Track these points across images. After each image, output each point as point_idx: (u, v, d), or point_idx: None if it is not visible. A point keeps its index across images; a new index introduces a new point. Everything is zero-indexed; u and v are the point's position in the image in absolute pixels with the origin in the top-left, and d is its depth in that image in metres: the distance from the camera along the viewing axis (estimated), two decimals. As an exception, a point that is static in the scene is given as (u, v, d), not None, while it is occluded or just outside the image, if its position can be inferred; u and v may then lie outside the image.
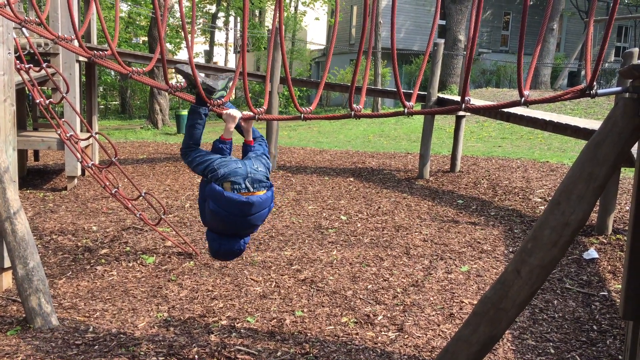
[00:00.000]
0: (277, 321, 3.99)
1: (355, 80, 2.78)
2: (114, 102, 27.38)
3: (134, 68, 3.22)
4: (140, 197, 5.41)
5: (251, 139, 3.26)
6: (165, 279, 4.83)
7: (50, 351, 3.50)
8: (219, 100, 3.12)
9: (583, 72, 24.20)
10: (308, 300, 4.36)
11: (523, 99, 2.51)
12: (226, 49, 31.77)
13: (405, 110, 2.74)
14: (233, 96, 23.10)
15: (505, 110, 7.14)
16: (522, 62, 2.44)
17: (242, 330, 3.84)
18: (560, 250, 2.52)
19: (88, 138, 4.89)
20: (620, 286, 4.68)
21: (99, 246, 5.69)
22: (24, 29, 4.01)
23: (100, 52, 3.29)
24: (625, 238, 5.62)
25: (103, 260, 5.27)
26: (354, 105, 2.84)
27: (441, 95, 9.59)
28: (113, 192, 5.22)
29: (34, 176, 9.40)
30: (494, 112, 8.00)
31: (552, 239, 2.51)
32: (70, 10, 3.09)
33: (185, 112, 17.17)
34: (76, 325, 3.91)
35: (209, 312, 4.16)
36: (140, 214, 5.43)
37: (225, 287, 4.61)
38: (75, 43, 3.76)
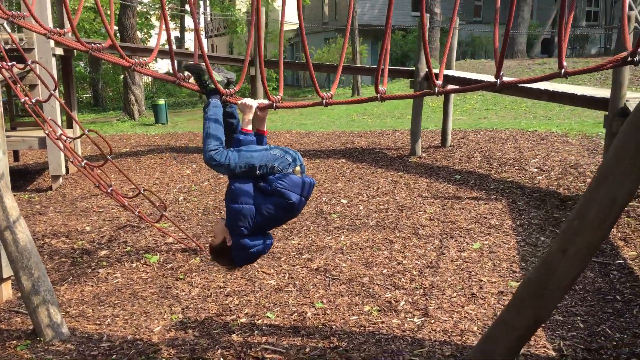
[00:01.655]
0: (298, 315, 3.86)
1: (381, 62, 2.63)
2: (86, 95, 26.62)
3: (135, 60, 3.01)
4: (138, 194, 5.20)
5: (265, 128, 3.08)
6: (173, 277, 4.65)
7: (67, 364, 3.33)
8: (231, 90, 2.95)
9: (556, 39, 24.29)
10: (325, 290, 4.24)
11: (563, 70, 2.39)
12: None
13: (436, 90, 2.59)
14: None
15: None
16: (565, 34, 2.31)
17: (263, 327, 3.70)
18: (608, 228, 2.43)
19: (81, 136, 4.64)
20: (635, 253, 4.67)
21: (97, 247, 5.48)
22: (5, 25, 3.73)
23: (98, 45, 3.07)
24: (633, 204, 5.60)
25: (104, 263, 5.06)
26: (380, 88, 2.69)
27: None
28: (109, 190, 5.00)
29: (16, 177, 9.02)
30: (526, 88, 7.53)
31: (600, 216, 2.41)
32: (64, 2, 2.84)
33: (162, 102, 16.72)
34: (89, 334, 3.72)
35: (225, 310, 4.00)
36: (138, 212, 5.22)
37: (237, 283, 4.46)
38: (69, 36, 3.51)
